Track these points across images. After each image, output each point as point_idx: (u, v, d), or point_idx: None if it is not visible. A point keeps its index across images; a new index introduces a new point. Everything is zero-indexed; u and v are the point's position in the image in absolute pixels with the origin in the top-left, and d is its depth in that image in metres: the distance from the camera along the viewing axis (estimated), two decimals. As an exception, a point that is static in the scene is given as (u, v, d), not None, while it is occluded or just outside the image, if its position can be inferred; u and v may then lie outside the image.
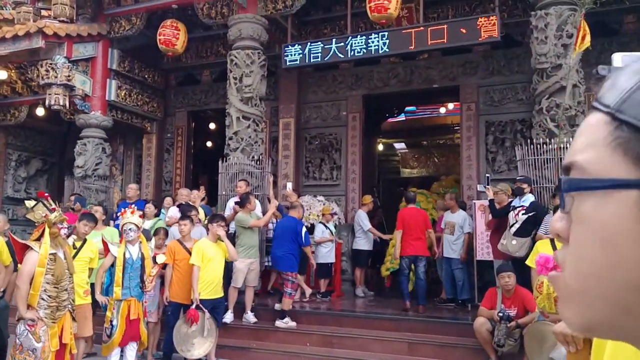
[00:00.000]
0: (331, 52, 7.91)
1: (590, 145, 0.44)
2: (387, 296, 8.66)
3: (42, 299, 4.32)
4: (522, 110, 8.65)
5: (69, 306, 4.55)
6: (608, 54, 8.33)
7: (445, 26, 7.29)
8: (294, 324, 6.57)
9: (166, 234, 6.58)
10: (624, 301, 0.40)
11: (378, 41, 7.56)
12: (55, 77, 8.75)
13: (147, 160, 11.09)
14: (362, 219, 8.43)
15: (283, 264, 6.74)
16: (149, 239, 6.29)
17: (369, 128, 10.76)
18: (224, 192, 8.16)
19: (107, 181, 9.87)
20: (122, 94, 10.02)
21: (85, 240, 5.52)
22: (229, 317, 6.57)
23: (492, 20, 6.97)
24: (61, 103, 8.79)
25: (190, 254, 5.95)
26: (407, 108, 13.03)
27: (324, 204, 8.89)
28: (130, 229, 5.42)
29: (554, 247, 4.73)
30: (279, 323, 6.56)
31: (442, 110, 13.06)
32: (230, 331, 6.49)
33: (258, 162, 8.22)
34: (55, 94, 8.74)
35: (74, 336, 4.65)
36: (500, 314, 5.36)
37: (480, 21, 7.07)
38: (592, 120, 0.45)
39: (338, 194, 9.56)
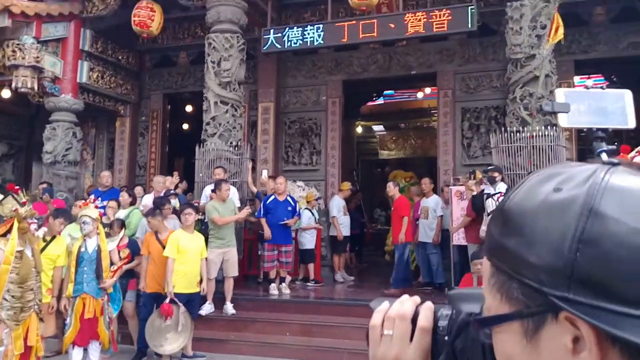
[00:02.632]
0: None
1: (485, 288, 0.52)
2: (366, 281, 8.80)
3: (5, 299, 4.08)
4: (497, 98, 8.77)
5: (35, 307, 4.32)
6: (578, 44, 8.54)
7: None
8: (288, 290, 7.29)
9: (121, 225, 6.28)
10: None
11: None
12: (23, 58, 8.42)
13: (120, 144, 10.84)
14: (332, 204, 8.54)
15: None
16: (123, 229, 6.22)
17: (348, 111, 10.78)
18: (200, 179, 8.07)
19: (78, 167, 9.60)
20: (95, 76, 9.73)
21: (54, 236, 5.34)
22: (208, 309, 6.55)
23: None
24: (29, 86, 8.48)
25: (163, 245, 5.86)
26: (386, 92, 13.06)
27: (303, 189, 8.92)
28: (84, 222, 5.23)
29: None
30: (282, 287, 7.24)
31: (420, 95, 13.14)
32: (207, 323, 6.46)
33: (236, 148, 8.14)
34: (23, 76, 8.42)
35: (40, 337, 4.50)
36: (475, 300, 5.50)
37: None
38: (486, 265, 0.53)
39: (318, 179, 9.58)
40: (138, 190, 8.25)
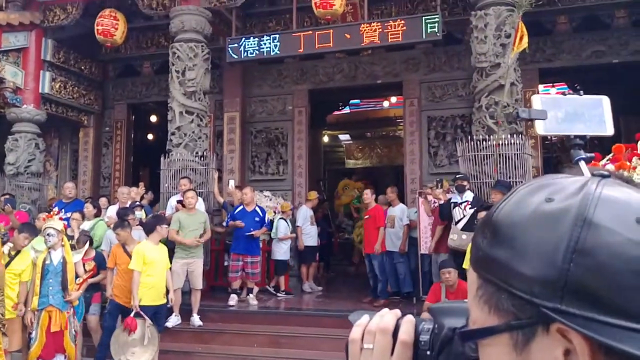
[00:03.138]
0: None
1: (471, 300, 0.51)
2: (334, 291, 8.75)
3: (-32, 313, 4.05)
4: (462, 106, 8.88)
5: (-1, 321, 4.24)
6: (543, 53, 8.71)
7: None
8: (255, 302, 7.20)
9: (87, 238, 6.14)
10: None
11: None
12: (-18, 68, 8.20)
13: (84, 155, 10.60)
14: (299, 214, 8.48)
15: None
16: (88, 242, 6.07)
17: (315, 120, 10.78)
18: (166, 190, 7.93)
19: (41, 178, 9.36)
20: (57, 86, 9.51)
21: (18, 251, 5.22)
22: (174, 321, 6.42)
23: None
24: (-11, 96, 8.26)
25: (131, 257, 5.77)
26: (352, 101, 13.14)
27: (270, 199, 8.85)
28: (49, 234, 5.17)
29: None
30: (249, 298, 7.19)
31: (386, 104, 13.25)
32: (174, 335, 6.33)
33: (202, 158, 8.04)
34: (-18, 86, 8.19)
35: (4, 352, 4.41)
36: (444, 309, 5.49)
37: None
38: (472, 277, 0.52)
39: (285, 189, 9.52)
40: (102, 201, 8.06)
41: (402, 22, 7.35)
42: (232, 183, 8.66)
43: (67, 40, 9.52)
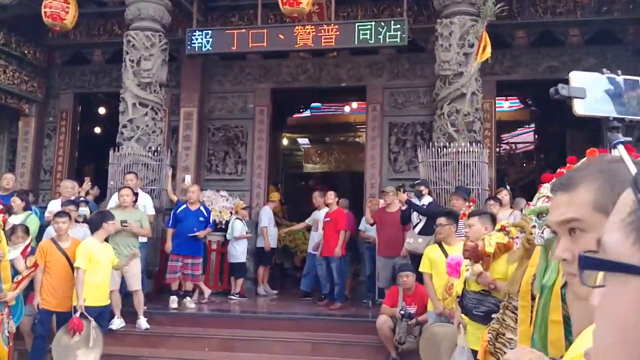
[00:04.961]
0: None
1: (616, 224, 0.43)
2: (289, 294, 8.53)
3: None
4: (423, 114, 8.93)
5: None
6: (501, 65, 8.91)
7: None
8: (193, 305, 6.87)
9: (26, 231, 5.68)
10: None
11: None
12: None
13: (24, 145, 9.86)
14: (263, 214, 8.26)
15: None
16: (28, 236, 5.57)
17: (276, 122, 10.56)
18: (113, 184, 7.46)
19: (-26, 168, 8.63)
20: (-5, 70, 8.82)
21: None
22: (118, 323, 6.03)
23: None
24: None
25: (65, 255, 5.35)
26: (313, 104, 13.04)
27: (227, 199, 8.53)
28: None
29: (443, 251, 4.86)
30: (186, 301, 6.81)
31: (347, 109, 13.24)
32: (119, 339, 5.94)
33: (156, 154, 7.65)
34: None
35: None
36: (402, 312, 5.44)
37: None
38: (627, 199, 0.44)
39: (243, 189, 9.20)
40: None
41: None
42: (187, 178, 8.26)
43: (8, 21, 8.84)
